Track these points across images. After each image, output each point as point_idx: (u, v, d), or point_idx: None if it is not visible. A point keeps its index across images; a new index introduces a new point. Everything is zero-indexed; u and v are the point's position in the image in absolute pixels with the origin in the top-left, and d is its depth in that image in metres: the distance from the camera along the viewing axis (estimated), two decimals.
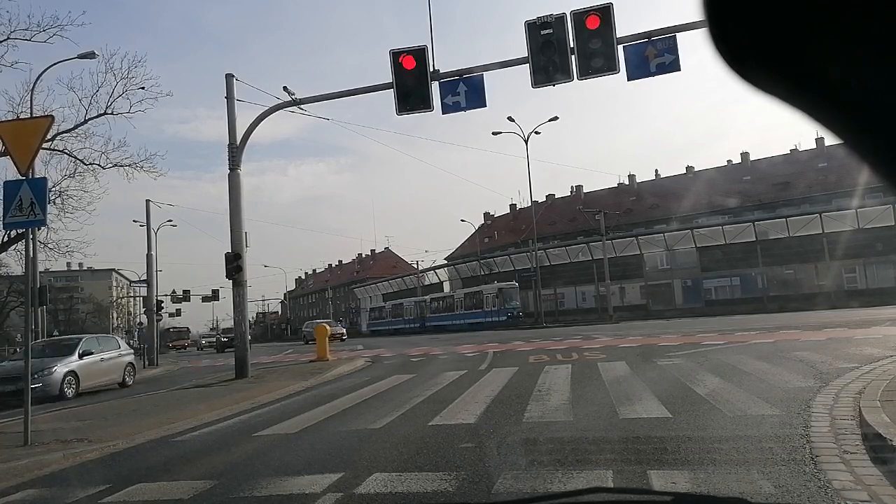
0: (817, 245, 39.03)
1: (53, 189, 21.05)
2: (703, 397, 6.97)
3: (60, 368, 14.50)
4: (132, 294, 68.40)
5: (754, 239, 41.63)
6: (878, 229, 36.73)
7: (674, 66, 13.02)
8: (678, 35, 12.94)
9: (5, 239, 20.82)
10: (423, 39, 35.91)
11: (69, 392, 14.41)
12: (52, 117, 10.87)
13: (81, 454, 6.55)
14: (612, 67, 12.89)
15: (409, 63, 13.70)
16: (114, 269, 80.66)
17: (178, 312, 53.12)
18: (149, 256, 31.35)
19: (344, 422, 7.41)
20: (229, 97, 15.53)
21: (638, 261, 46.01)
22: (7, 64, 19.76)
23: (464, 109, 14.05)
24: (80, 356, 15.39)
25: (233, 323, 16.58)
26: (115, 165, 22.32)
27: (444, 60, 21.10)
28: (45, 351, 15.45)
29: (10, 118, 17.76)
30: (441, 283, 60.72)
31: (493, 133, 39.56)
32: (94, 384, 15.62)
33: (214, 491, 4.68)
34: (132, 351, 19.71)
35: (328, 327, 22.12)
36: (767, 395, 6.79)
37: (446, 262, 64.96)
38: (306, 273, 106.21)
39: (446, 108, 13.96)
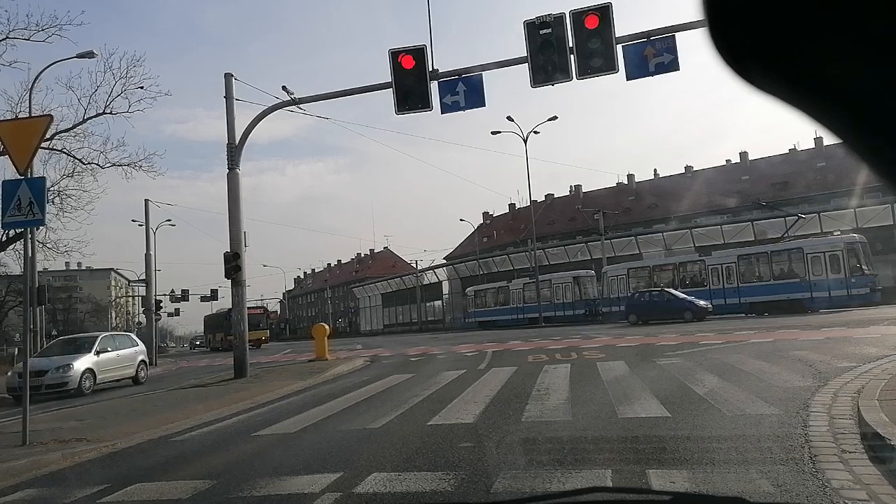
0: None
1: (52, 189, 21.09)
2: (702, 397, 6.97)
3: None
4: (131, 294, 68.38)
5: (753, 239, 41.60)
6: (876, 229, 36.71)
7: (673, 65, 13.02)
8: (677, 35, 12.95)
9: (4, 238, 20.87)
10: (422, 39, 35.91)
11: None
12: (51, 117, 10.85)
13: (80, 454, 6.55)
14: (611, 67, 12.89)
15: (409, 63, 13.68)
16: (113, 269, 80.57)
17: (177, 312, 53.20)
18: (147, 256, 31.35)
19: (343, 421, 7.41)
20: (228, 97, 15.52)
21: (637, 260, 45.96)
22: (6, 63, 19.82)
23: (463, 109, 14.04)
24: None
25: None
26: (114, 165, 22.40)
27: (443, 60, 21.08)
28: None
29: (8, 117, 17.79)
30: (440, 282, 60.60)
31: (493, 133, 39.29)
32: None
33: (213, 491, 4.68)
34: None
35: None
36: (766, 394, 6.79)
37: (445, 261, 64.90)
38: (305, 273, 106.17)
39: (445, 108, 13.95)
